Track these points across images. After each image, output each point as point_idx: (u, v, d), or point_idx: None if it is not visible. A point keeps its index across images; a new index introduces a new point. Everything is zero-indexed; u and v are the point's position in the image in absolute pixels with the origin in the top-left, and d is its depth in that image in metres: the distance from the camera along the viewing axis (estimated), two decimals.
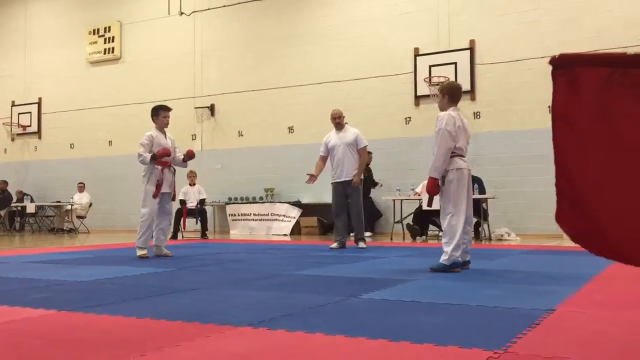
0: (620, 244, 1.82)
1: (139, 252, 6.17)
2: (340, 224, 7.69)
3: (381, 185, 10.82)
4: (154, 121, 6.47)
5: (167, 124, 6.50)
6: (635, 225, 1.78)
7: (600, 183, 1.81)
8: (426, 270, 4.66)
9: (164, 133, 6.46)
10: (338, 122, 7.73)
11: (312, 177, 7.82)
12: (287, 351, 2.18)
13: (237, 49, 13.51)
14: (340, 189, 7.62)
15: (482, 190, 9.65)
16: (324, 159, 7.84)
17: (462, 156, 4.76)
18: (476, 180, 9.73)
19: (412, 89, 11.60)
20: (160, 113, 6.43)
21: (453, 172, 4.67)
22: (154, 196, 6.25)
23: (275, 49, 13.09)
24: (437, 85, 11.10)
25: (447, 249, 4.57)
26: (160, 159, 6.23)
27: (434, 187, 4.70)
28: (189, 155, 6.62)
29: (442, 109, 4.87)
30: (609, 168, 1.80)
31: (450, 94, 4.85)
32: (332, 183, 7.73)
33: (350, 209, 7.64)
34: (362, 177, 7.70)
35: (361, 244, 7.56)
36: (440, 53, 11.37)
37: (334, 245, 7.62)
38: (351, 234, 8.00)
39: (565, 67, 1.85)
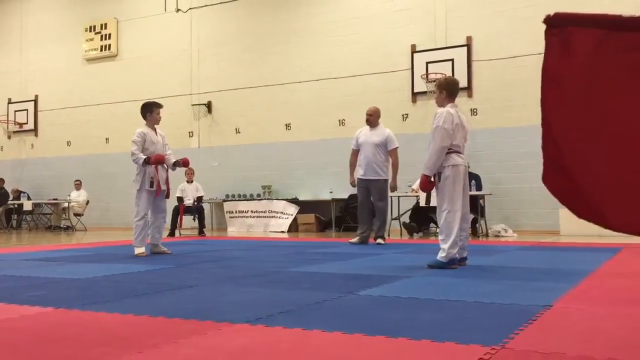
0: (602, 208, 1.80)
1: (137, 251, 6.16)
2: (362, 219, 7.73)
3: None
4: (145, 118, 6.43)
5: (159, 120, 6.49)
6: (616, 189, 1.76)
7: (585, 146, 1.79)
8: (424, 267, 4.67)
9: (154, 130, 6.44)
10: (368, 118, 7.70)
11: (352, 178, 7.87)
12: (284, 348, 2.18)
13: (234, 46, 13.49)
14: (364, 185, 7.64)
15: (479, 187, 9.66)
16: (355, 153, 7.80)
17: (459, 153, 4.75)
18: (473, 177, 9.74)
19: (409, 86, 11.60)
20: (154, 109, 6.40)
21: (449, 169, 4.66)
22: (156, 194, 6.24)
23: (272, 46, 13.08)
24: (434, 82, 11.13)
25: (444, 246, 4.58)
26: (155, 161, 6.22)
27: (427, 184, 4.71)
28: (184, 164, 6.56)
29: (440, 105, 4.86)
30: (594, 132, 1.77)
31: (448, 90, 4.84)
32: (357, 178, 7.75)
33: (374, 208, 7.68)
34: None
35: (379, 241, 7.60)
36: (437, 50, 11.36)
37: (354, 239, 7.66)
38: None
39: (559, 26, 1.82)
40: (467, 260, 4.86)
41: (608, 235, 9.22)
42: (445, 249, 4.57)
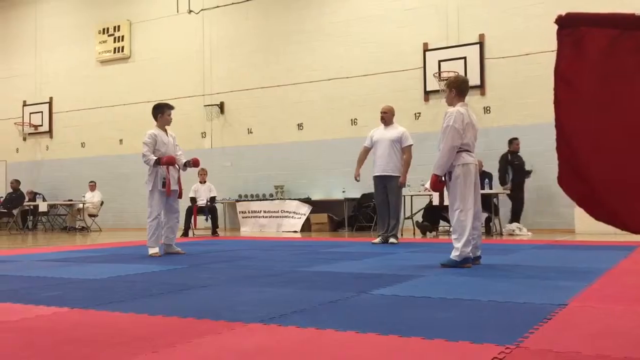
0: (618, 209, 1.78)
1: (151, 251, 6.19)
2: (382, 217, 7.71)
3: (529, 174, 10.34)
4: (156, 119, 6.46)
5: (170, 121, 6.51)
6: (633, 190, 1.73)
7: (599, 148, 1.76)
8: (437, 266, 4.65)
9: (165, 131, 6.47)
10: (383, 116, 7.71)
11: (357, 173, 7.81)
12: (298, 347, 2.19)
13: (246, 47, 13.52)
14: (380, 183, 7.63)
15: (492, 186, 9.61)
16: (366, 151, 7.83)
17: (470, 151, 4.73)
18: (487, 175, 9.69)
19: (422, 85, 11.56)
20: (165, 111, 6.42)
21: (460, 167, 4.65)
22: (167, 194, 6.27)
23: (283, 46, 13.10)
24: (447, 80, 11.08)
25: (458, 244, 4.56)
26: (167, 162, 6.24)
27: (437, 184, 4.69)
28: (194, 164, 6.58)
29: (450, 104, 4.86)
30: (608, 133, 1.75)
31: (459, 89, 4.84)
32: (373, 177, 7.73)
33: (390, 205, 7.64)
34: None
35: (392, 240, 7.56)
36: (450, 48, 11.32)
37: (376, 240, 7.65)
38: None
39: (571, 26, 1.79)
40: (480, 259, 4.84)
41: (623, 233, 9.12)
42: (458, 247, 4.55)
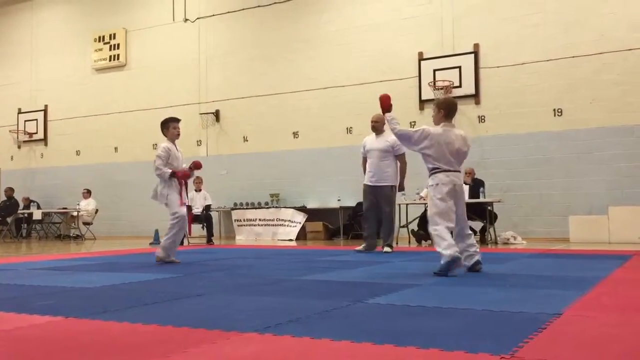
0: None
1: (161, 255, 6.10)
2: (368, 225, 7.71)
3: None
4: (165, 135, 6.35)
5: (178, 135, 6.38)
6: None
7: None
8: (432, 275, 4.66)
9: (175, 145, 6.41)
10: (374, 125, 7.71)
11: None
12: (293, 357, 2.18)
13: (242, 55, 13.55)
14: (371, 192, 7.61)
15: (485, 194, 9.63)
16: (366, 160, 7.83)
17: (446, 171, 4.79)
18: (480, 184, 9.71)
19: (417, 94, 11.61)
20: (170, 125, 6.32)
21: (432, 188, 4.80)
22: (180, 204, 6.21)
23: (279, 54, 13.13)
24: (442, 89, 11.14)
25: (440, 249, 4.67)
26: (182, 176, 6.19)
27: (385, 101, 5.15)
28: (196, 167, 6.45)
29: (436, 123, 4.97)
30: None
31: (447, 109, 4.94)
32: (364, 184, 7.72)
33: (381, 215, 7.63)
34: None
35: (387, 249, 7.55)
36: (445, 57, 11.38)
37: (360, 247, 7.65)
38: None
39: None
40: (480, 265, 4.86)
41: (618, 242, 9.17)
42: (442, 252, 4.62)
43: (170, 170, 6.13)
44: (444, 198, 4.74)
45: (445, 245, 4.62)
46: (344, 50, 12.45)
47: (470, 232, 4.98)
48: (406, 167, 7.74)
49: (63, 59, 15.83)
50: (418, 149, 4.88)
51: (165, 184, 6.19)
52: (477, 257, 4.84)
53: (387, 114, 5.13)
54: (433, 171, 4.82)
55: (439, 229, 4.69)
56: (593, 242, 8.47)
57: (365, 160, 7.83)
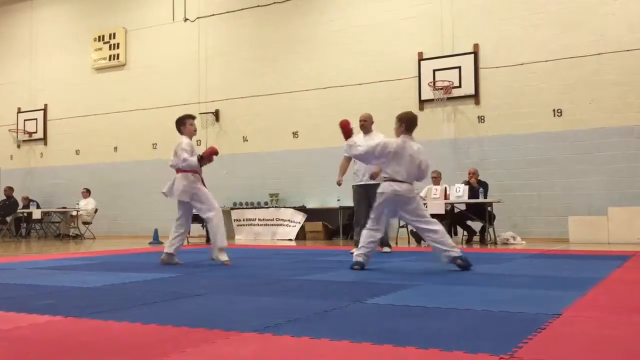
0: None
1: (223, 258, 6.04)
2: (360, 228, 7.62)
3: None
4: (181, 132, 6.27)
5: (195, 130, 6.35)
6: None
7: None
8: (431, 274, 4.66)
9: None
10: (362, 124, 7.65)
11: (339, 179, 7.74)
12: (292, 357, 2.18)
13: (242, 55, 13.55)
14: (362, 192, 7.53)
15: (486, 195, 9.65)
16: (348, 160, 7.69)
17: (395, 181, 5.10)
18: (481, 185, 9.74)
19: (416, 94, 11.61)
20: (186, 121, 6.27)
21: (379, 195, 5.19)
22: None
23: (279, 54, 13.13)
24: (442, 89, 11.15)
25: (355, 250, 5.44)
26: (209, 157, 6.05)
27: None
28: (211, 153, 6.12)
29: (397, 135, 5.30)
30: None
31: (408, 123, 5.28)
32: (353, 186, 7.65)
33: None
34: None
35: (386, 249, 7.50)
36: (444, 57, 11.38)
37: (354, 250, 7.58)
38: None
39: None
40: (460, 259, 4.97)
41: (617, 243, 9.18)
42: (354, 252, 5.32)
43: (197, 156, 6.04)
44: (382, 205, 5.15)
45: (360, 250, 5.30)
46: (343, 51, 12.45)
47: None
48: None
49: (63, 59, 15.82)
50: (380, 162, 5.29)
51: (189, 180, 6.09)
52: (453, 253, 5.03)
53: (348, 140, 5.45)
54: (384, 179, 5.21)
55: (373, 235, 5.23)
56: (592, 243, 8.47)
57: (347, 159, 7.60)
